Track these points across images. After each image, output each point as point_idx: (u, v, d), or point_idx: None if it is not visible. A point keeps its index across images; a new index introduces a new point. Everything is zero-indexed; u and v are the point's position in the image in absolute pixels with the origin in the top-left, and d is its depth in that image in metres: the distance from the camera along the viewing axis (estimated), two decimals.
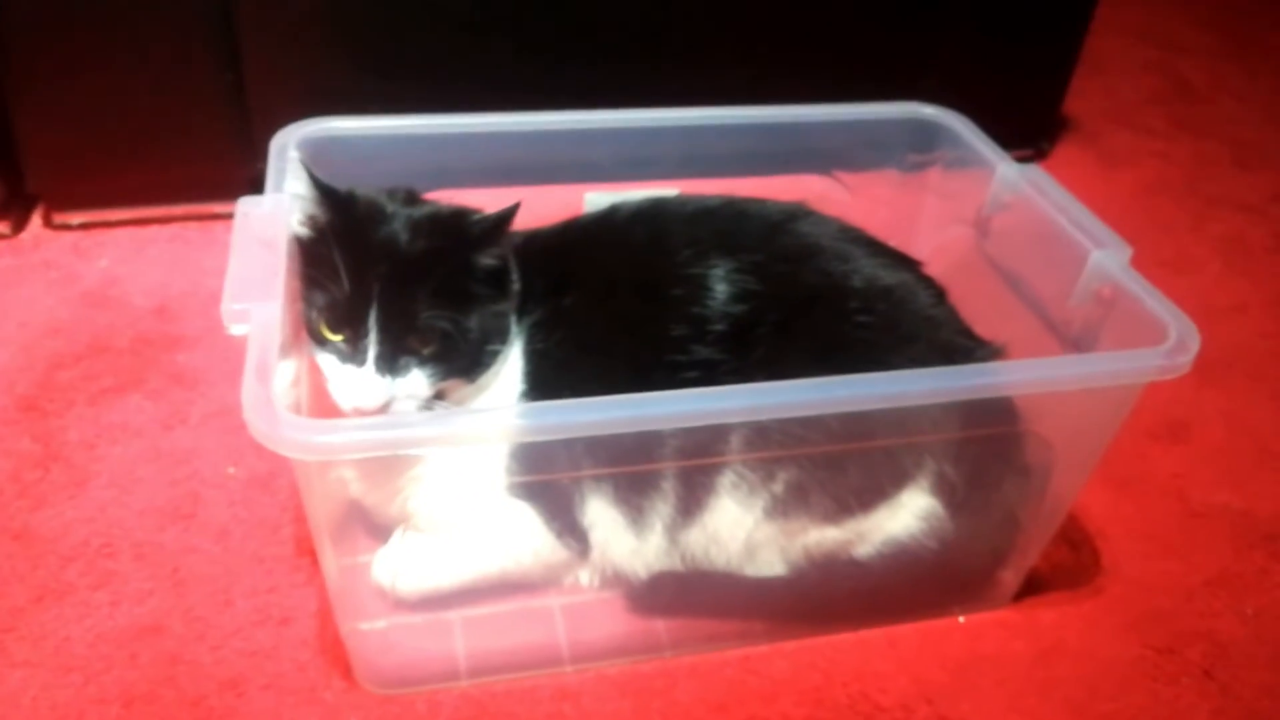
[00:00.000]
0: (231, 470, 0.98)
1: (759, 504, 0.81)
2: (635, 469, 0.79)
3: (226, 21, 1.17)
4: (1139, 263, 0.83)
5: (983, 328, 0.87)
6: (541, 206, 0.90)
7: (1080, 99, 1.68)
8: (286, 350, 0.71)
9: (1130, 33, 2.05)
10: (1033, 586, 0.93)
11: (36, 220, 1.31)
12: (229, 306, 0.70)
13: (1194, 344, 0.75)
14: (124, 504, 0.94)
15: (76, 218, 1.29)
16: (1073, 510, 1.00)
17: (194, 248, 1.28)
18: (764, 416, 0.73)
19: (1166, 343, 0.75)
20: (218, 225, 1.32)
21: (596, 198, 0.98)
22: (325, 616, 0.85)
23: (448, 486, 0.81)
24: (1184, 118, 1.80)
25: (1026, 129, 1.60)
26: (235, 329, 0.70)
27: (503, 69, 1.26)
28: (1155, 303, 0.79)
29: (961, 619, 0.91)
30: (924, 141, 1.05)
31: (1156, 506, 1.03)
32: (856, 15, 1.38)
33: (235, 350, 1.12)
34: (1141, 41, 2.04)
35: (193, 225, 1.32)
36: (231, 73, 1.20)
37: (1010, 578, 0.91)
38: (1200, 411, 1.15)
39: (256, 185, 1.29)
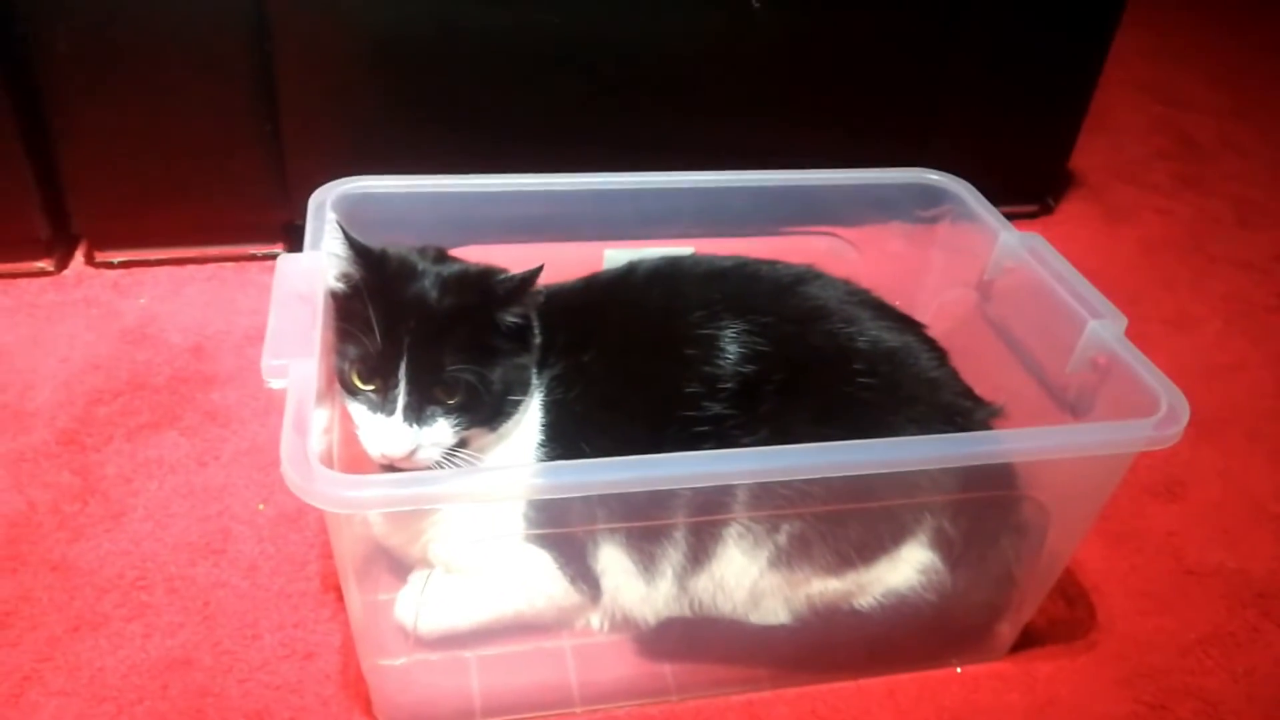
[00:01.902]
0: (261, 507, 1.02)
1: (764, 555, 0.85)
2: (646, 524, 0.83)
3: (267, 75, 1.23)
4: (1140, 320, 0.86)
5: (983, 387, 0.91)
6: (563, 261, 0.94)
7: (1086, 155, 1.72)
8: (320, 399, 0.75)
9: (1137, 89, 2.09)
10: (1029, 640, 0.95)
11: (79, 258, 1.36)
12: (269, 362, 0.74)
13: (1184, 415, 0.78)
14: (158, 538, 0.98)
15: (118, 256, 1.35)
16: (1069, 566, 1.03)
17: (230, 288, 1.34)
18: (769, 479, 0.77)
19: (1157, 414, 0.78)
20: (253, 266, 1.37)
21: (615, 254, 1.02)
22: (348, 652, 0.89)
23: (468, 533, 0.85)
24: (1189, 175, 1.83)
25: (1032, 185, 1.63)
26: (274, 383, 0.74)
27: (531, 129, 1.31)
28: (1148, 373, 0.82)
29: (959, 670, 0.93)
30: (929, 205, 1.09)
31: (1151, 564, 1.06)
32: (870, 77, 1.42)
33: (267, 391, 1.17)
34: (1148, 98, 2.08)
35: (229, 266, 1.37)
36: (269, 123, 1.26)
37: (1007, 631, 0.94)
38: (1197, 470, 1.18)
39: (290, 230, 1.36)
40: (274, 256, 1.31)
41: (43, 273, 1.32)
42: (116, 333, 1.24)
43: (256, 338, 1.24)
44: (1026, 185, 1.62)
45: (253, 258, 1.37)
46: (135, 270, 1.35)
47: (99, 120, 1.23)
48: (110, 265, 1.35)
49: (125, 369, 1.19)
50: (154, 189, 1.30)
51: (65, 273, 1.34)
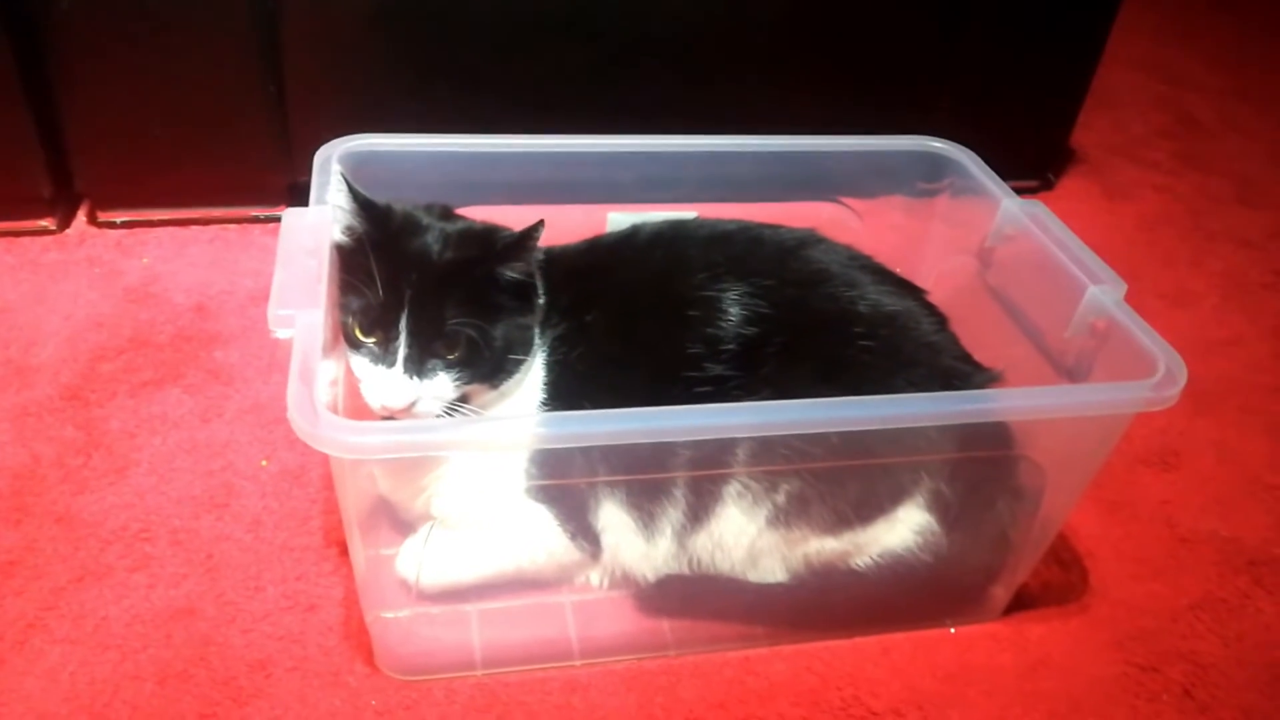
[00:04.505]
0: (264, 463, 1.03)
1: (763, 513, 0.86)
2: (646, 477, 0.84)
3: (272, 36, 1.23)
4: (1139, 294, 0.86)
5: (982, 354, 0.91)
6: (567, 224, 0.94)
7: (1088, 132, 1.73)
8: (326, 352, 0.76)
9: (1139, 68, 2.09)
10: (1022, 602, 0.97)
11: (81, 217, 1.37)
12: (275, 312, 0.74)
13: (1181, 377, 0.79)
14: (162, 492, 0.99)
15: (120, 216, 1.35)
16: (1063, 531, 1.04)
17: (232, 249, 1.34)
18: (770, 433, 0.78)
19: (1155, 375, 0.79)
20: (255, 228, 1.38)
21: (619, 217, 1.03)
22: (350, 605, 0.90)
23: (470, 487, 0.86)
24: (1190, 153, 1.84)
25: (1033, 160, 1.64)
26: (280, 333, 0.74)
27: (536, 92, 1.31)
28: (1146, 337, 0.83)
29: (953, 630, 0.95)
30: (931, 175, 1.09)
31: (1145, 531, 1.07)
32: (875, 47, 1.43)
33: (270, 349, 1.18)
34: (1150, 77, 2.08)
35: (231, 228, 1.37)
36: (273, 85, 1.26)
37: (1001, 593, 0.95)
38: (1192, 441, 1.19)
39: (293, 192, 1.36)
40: (277, 219, 1.31)
41: (45, 231, 1.33)
42: (119, 291, 1.25)
43: (259, 298, 1.24)
44: (1028, 160, 1.62)
45: (255, 220, 1.38)
46: (137, 230, 1.35)
47: (103, 80, 1.23)
48: (113, 225, 1.35)
49: (128, 327, 1.19)
50: (157, 149, 1.30)
51: (68, 232, 1.34)
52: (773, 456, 0.82)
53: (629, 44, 1.32)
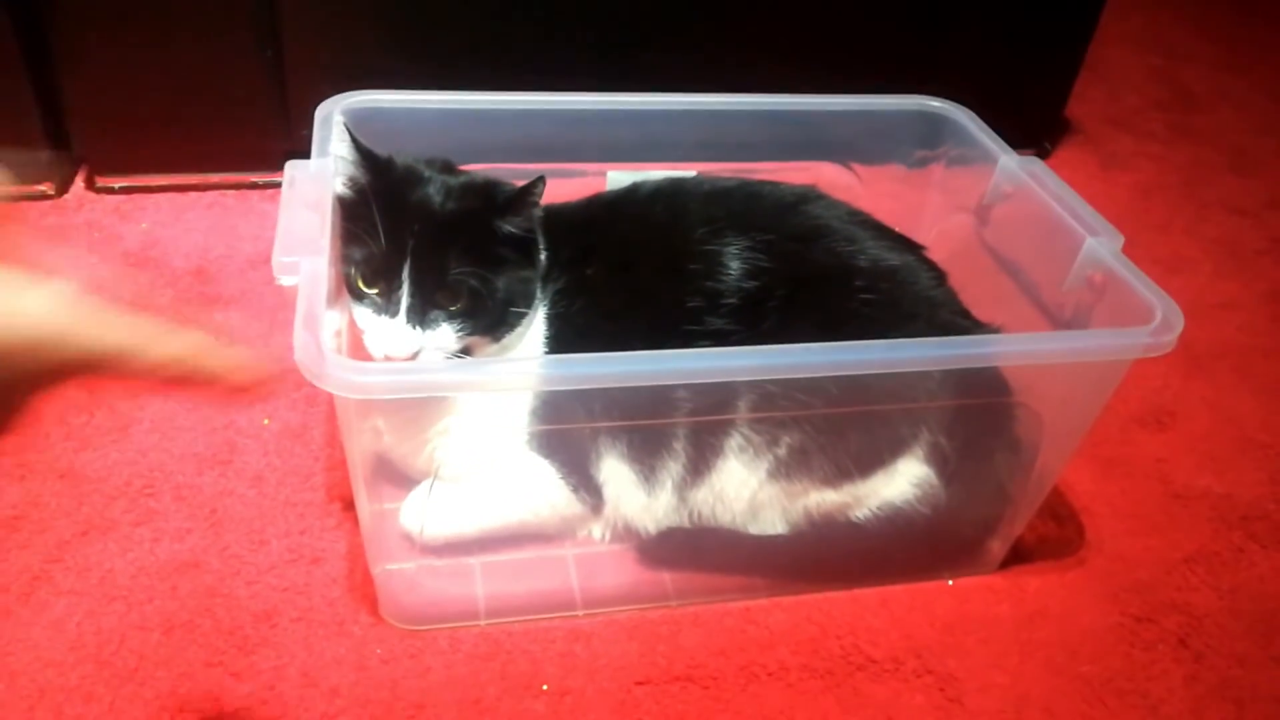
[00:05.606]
0: (266, 421, 1.03)
1: (763, 466, 0.87)
2: (648, 423, 0.84)
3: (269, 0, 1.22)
4: (1134, 260, 0.87)
5: (980, 310, 0.92)
6: (566, 183, 0.95)
7: (1083, 103, 1.73)
8: (331, 303, 0.76)
9: (1134, 41, 2.10)
10: (1019, 556, 0.98)
11: (79, 182, 1.36)
12: (279, 259, 0.74)
13: (1178, 324, 0.79)
14: (165, 449, 0.99)
15: (118, 181, 1.35)
16: (1059, 487, 1.05)
17: (231, 214, 1.34)
18: (770, 376, 0.78)
19: (1152, 323, 0.80)
20: (254, 194, 1.37)
21: (619, 176, 1.03)
22: (354, 557, 0.90)
23: (473, 439, 0.86)
24: (1184, 124, 1.85)
25: (1030, 129, 1.64)
26: (285, 280, 0.75)
27: (533, 52, 1.31)
28: (1143, 287, 0.83)
29: (950, 582, 0.96)
30: (930, 135, 1.10)
31: (1140, 488, 1.08)
32: (872, 14, 1.43)
33: (270, 311, 1.18)
34: (1145, 50, 2.09)
35: (230, 193, 1.37)
36: (271, 49, 1.25)
37: (998, 546, 0.96)
38: (1186, 401, 1.20)
39: (292, 157, 1.35)
40: (275, 184, 1.31)
41: (44, 196, 1.32)
42: (119, 255, 1.25)
43: (259, 261, 1.24)
44: (1023, 130, 1.61)
45: (254, 185, 1.37)
46: (136, 196, 1.35)
47: (101, 44, 1.23)
48: (111, 190, 1.35)
49: (127, 290, 1.17)
50: (155, 114, 1.29)
51: (66, 197, 1.34)
52: (773, 407, 0.83)
53: (629, 2, 1.31)
